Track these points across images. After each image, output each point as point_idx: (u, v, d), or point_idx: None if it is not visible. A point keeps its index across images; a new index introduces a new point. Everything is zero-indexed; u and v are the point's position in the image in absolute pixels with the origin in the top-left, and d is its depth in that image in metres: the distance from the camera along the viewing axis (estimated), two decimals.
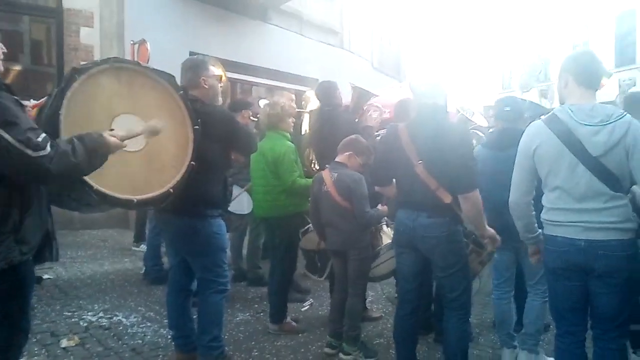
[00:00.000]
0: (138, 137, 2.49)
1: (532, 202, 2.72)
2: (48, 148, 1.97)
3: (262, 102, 5.83)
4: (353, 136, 3.74)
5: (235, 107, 5.02)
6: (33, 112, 3.18)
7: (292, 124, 4.26)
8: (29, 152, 1.92)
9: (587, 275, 2.48)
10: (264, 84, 11.16)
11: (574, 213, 2.47)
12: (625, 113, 2.42)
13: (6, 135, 1.90)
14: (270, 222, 4.24)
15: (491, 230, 3.12)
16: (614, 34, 22.47)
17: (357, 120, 4.38)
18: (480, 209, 2.96)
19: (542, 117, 2.72)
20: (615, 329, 2.49)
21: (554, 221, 2.56)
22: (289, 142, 4.10)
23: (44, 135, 2.00)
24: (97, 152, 2.11)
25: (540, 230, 2.72)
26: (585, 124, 2.42)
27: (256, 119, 5.14)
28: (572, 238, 2.47)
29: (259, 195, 4.21)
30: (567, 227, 2.50)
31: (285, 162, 3.95)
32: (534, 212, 2.73)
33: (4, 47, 2.26)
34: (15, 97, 2.14)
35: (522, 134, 2.76)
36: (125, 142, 2.28)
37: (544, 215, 2.62)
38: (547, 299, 3.37)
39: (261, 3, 9.89)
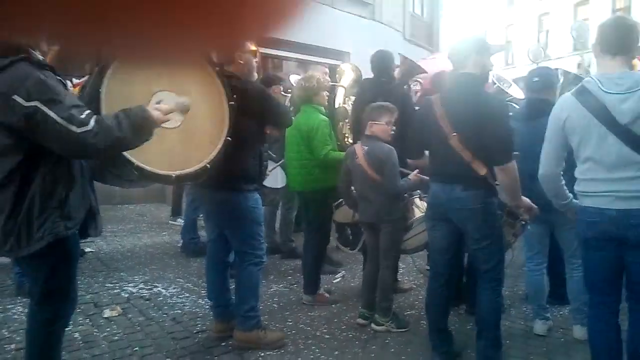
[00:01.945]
0: (176, 114, 2.56)
1: (562, 173, 2.70)
2: (92, 123, 2.04)
3: (293, 78, 5.84)
4: (368, 106, 3.72)
5: (266, 82, 5.04)
6: (75, 91, 3.28)
7: (326, 98, 4.27)
8: (73, 128, 2.00)
9: (621, 246, 2.46)
10: (295, 58, 11.13)
11: (605, 183, 2.44)
12: None
13: (51, 113, 1.99)
14: (304, 196, 4.31)
15: (527, 201, 3.11)
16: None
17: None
18: (517, 180, 2.95)
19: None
20: None
21: (585, 192, 2.54)
22: (323, 116, 4.12)
23: (87, 111, 2.08)
24: (142, 126, 2.18)
25: (571, 196, 2.70)
26: (613, 93, 2.37)
27: (288, 94, 5.16)
28: (603, 208, 2.45)
29: (294, 169, 4.27)
30: (598, 198, 2.47)
31: (318, 135, 3.99)
32: (563, 182, 2.72)
33: None
34: (58, 77, 2.22)
35: (550, 104, 2.73)
36: (169, 115, 2.33)
37: (576, 187, 2.60)
38: None
39: None
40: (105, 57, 2.50)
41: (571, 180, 2.66)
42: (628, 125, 2.34)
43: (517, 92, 5.71)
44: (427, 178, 3.64)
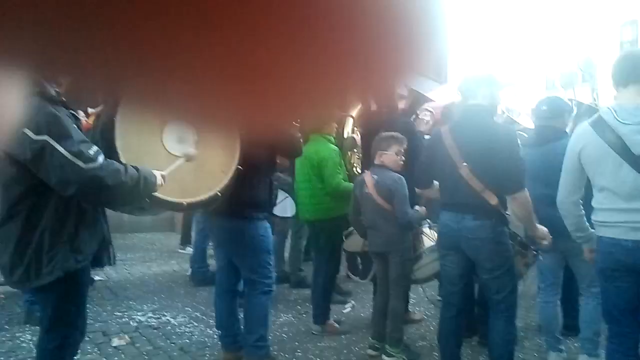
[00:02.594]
0: (189, 142, 2.60)
1: (581, 202, 2.70)
2: (100, 159, 2.07)
3: None
4: (378, 136, 3.73)
5: None
6: (90, 120, 3.33)
7: (335, 128, 4.31)
8: (81, 163, 2.02)
9: (638, 277, 2.44)
10: None
11: (620, 213, 2.44)
12: None
13: (59, 147, 2.00)
14: (314, 225, 4.31)
15: (543, 229, 3.10)
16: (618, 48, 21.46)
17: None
18: (530, 208, 2.96)
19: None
20: None
21: (601, 222, 2.55)
22: (333, 146, 4.15)
23: (96, 148, 2.10)
24: (147, 181, 2.24)
25: (592, 230, 2.69)
26: (628, 123, 2.40)
27: (298, 124, 5.20)
28: (619, 239, 2.44)
29: (304, 199, 4.27)
30: (614, 228, 2.47)
31: (329, 165, 4.01)
32: (583, 212, 2.71)
33: None
34: (72, 111, 2.26)
35: (558, 131, 2.76)
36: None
37: (593, 217, 2.60)
38: (600, 301, 3.32)
39: None
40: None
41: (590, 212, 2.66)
42: None
43: (527, 122, 5.73)
44: (424, 209, 3.65)
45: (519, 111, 5.63)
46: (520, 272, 3.36)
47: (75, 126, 2.18)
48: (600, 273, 2.63)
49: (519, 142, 3.20)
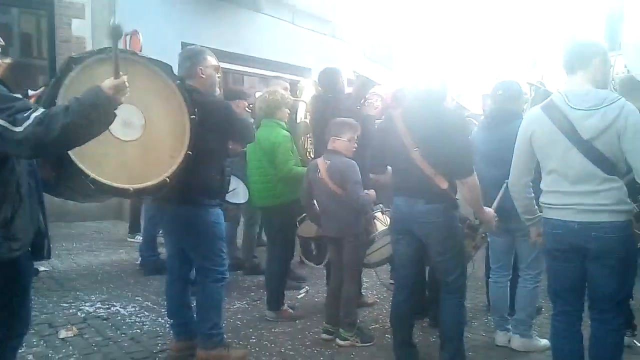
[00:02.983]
0: (135, 126, 2.51)
1: (531, 184, 2.78)
2: (33, 115, 1.93)
3: (258, 94, 5.83)
4: (332, 121, 3.74)
5: (229, 97, 4.99)
6: (31, 102, 3.17)
7: (288, 114, 4.27)
8: (16, 129, 1.90)
9: (584, 257, 2.54)
10: (256, 73, 11.12)
11: (568, 196, 2.53)
12: (619, 97, 2.47)
13: None
14: (267, 211, 4.28)
15: (490, 212, 3.21)
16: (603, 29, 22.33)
17: (358, 108, 4.38)
18: (479, 192, 3.05)
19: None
20: (611, 309, 2.56)
21: (549, 204, 2.63)
22: (285, 131, 4.12)
23: (29, 109, 1.95)
24: (96, 104, 2.02)
25: (540, 213, 2.77)
26: (578, 109, 2.47)
27: (250, 110, 5.15)
28: (566, 220, 2.54)
29: (256, 185, 4.23)
30: (561, 210, 2.56)
31: (281, 151, 3.97)
32: (532, 195, 2.79)
33: (1, 40, 2.26)
34: (9, 91, 2.14)
35: (513, 114, 2.83)
36: (126, 82, 2.15)
37: (541, 199, 2.69)
38: (538, 284, 3.48)
39: None
40: (62, 67, 2.44)
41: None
42: (591, 141, 2.43)
43: (476, 108, 5.87)
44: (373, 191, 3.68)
45: (468, 97, 5.76)
46: (469, 255, 3.47)
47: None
48: (547, 253, 2.73)
49: (467, 127, 3.28)
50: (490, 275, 3.75)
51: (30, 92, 3.39)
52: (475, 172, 3.02)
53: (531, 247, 3.09)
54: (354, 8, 14.74)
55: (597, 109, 2.43)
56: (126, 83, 2.15)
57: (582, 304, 2.70)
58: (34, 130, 1.90)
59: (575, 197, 2.51)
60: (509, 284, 3.68)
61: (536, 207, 2.81)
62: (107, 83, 2.10)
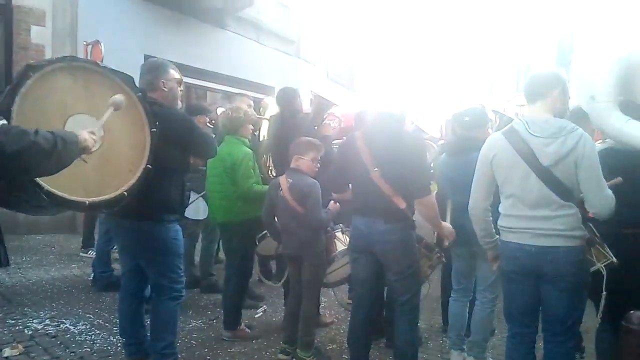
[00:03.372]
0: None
1: (490, 208, 2.85)
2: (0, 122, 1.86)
3: (220, 110, 5.81)
4: (296, 140, 3.76)
5: (191, 112, 4.97)
6: None
7: (251, 130, 4.27)
8: None
9: (539, 279, 2.61)
10: (219, 89, 11.09)
11: (525, 220, 2.61)
12: (577, 127, 2.57)
13: None
14: (226, 228, 4.21)
15: (448, 227, 3.33)
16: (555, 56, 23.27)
17: (316, 128, 4.42)
18: (436, 210, 3.14)
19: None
20: (563, 332, 2.62)
21: (507, 227, 2.70)
22: (247, 148, 4.10)
23: None
24: (65, 140, 2.01)
25: (497, 237, 2.85)
26: (538, 136, 2.56)
27: (212, 126, 5.12)
28: (523, 243, 2.61)
29: (216, 201, 4.18)
30: (519, 233, 2.63)
31: (242, 168, 3.94)
32: (491, 218, 2.86)
33: None
34: None
35: (479, 141, 2.91)
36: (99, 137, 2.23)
37: (499, 222, 2.76)
38: (494, 308, 3.54)
39: (218, 9, 9.84)
40: (19, 75, 2.37)
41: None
42: (549, 167, 2.52)
43: (434, 131, 6.01)
44: (337, 205, 3.72)
45: (426, 121, 5.90)
46: (425, 274, 3.52)
47: None
48: (504, 276, 2.80)
49: (426, 150, 3.36)
50: (452, 295, 3.80)
51: None
52: (432, 192, 3.09)
53: (491, 271, 3.15)
54: (318, 30, 14.95)
55: (557, 137, 2.52)
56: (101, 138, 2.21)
57: (536, 326, 2.76)
58: None
59: (532, 221, 2.58)
60: (467, 304, 3.74)
61: (494, 230, 2.88)
62: (87, 134, 2.15)
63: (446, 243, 3.49)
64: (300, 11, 13.82)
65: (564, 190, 2.53)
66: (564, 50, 20.43)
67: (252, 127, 4.30)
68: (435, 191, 5.15)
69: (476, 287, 3.68)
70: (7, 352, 3.55)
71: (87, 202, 2.54)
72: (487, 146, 2.79)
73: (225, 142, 4.10)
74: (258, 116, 4.58)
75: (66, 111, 2.49)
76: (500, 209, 2.76)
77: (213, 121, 5.33)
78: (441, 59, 29.11)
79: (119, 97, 2.51)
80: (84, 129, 2.40)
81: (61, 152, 2.01)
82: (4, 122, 1.89)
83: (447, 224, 3.35)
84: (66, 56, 2.66)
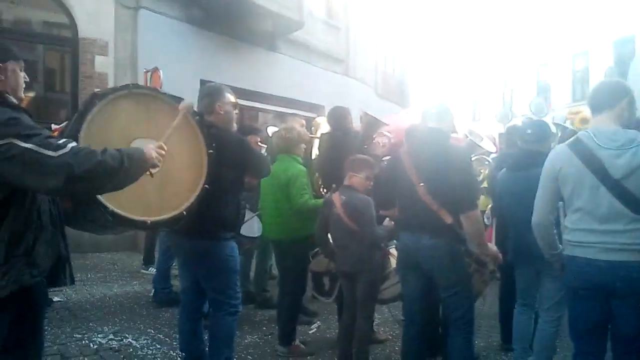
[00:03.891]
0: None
1: (554, 222, 2.77)
2: (70, 145, 1.96)
3: (271, 130, 5.95)
4: (351, 157, 3.80)
5: (243, 132, 5.09)
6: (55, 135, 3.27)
7: (304, 150, 4.35)
8: (51, 152, 1.91)
9: (608, 296, 2.50)
10: (271, 110, 11.33)
11: (595, 234, 2.51)
12: None
13: (26, 145, 1.90)
14: (280, 245, 4.30)
15: (493, 248, 3.23)
16: (612, 58, 22.54)
17: (365, 147, 4.46)
18: (482, 227, 3.08)
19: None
20: (634, 351, 2.50)
21: (575, 242, 2.60)
22: (301, 166, 4.18)
23: (65, 139, 2.01)
24: (131, 157, 2.12)
25: (561, 247, 2.76)
26: (607, 148, 2.48)
27: (264, 145, 5.25)
28: (592, 259, 2.51)
29: (270, 219, 4.27)
30: (588, 248, 2.53)
31: (297, 184, 4.03)
32: (555, 231, 2.79)
33: (26, 77, 2.36)
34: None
35: (542, 155, 2.84)
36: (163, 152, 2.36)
37: (566, 236, 2.66)
38: (558, 327, 3.40)
39: (270, 33, 10.12)
40: (86, 102, 2.54)
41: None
42: (620, 180, 2.43)
43: (489, 146, 5.90)
44: (392, 223, 3.71)
45: (481, 135, 5.81)
46: (479, 290, 3.45)
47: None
48: (570, 292, 2.69)
49: (472, 163, 3.31)
50: (515, 309, 3.69)
51: (54, 127, 3.49)
52: (477, 208, 3.04)
53: (556, 289, 3.05)
54: (367, 48, 15.05)
55: (627, 149, 2.44)
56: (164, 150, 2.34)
57: (604, 344, 2.63)
58: (69, 159, 1.92)
59: (602, 235, 2.49)
60: (533, 317, 3.62)
61: (558, 243, 2.79)
62: (152, 146, 2.26)
63: (491, 266, 3.40)
64: (349, 31, 13.98)
65: (636, 204, 2.42)
66: (623, 57, 19.73)
67: (305, 146, 4.38)
68: (489, 205, 5.08)
69: (540, 306, 3.56)
70: None
71: (149, 221, 2.66)
72: (552, 159, 2.72)
73: (279, 161, 4.20)
74: (310, 135, 4.66)
75: (129, 135, 2.62)
76: (566, 222, 2.67)
77: (264, 139, 5.46)
78: (496, 72, 28.68)
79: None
80: None
81: (128, 169, 2.11)
82: (74, 144, 2.01)
83: (492, 245, 3.25)
84: (129, 84, 2.81)
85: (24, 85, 2.31)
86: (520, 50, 26.37)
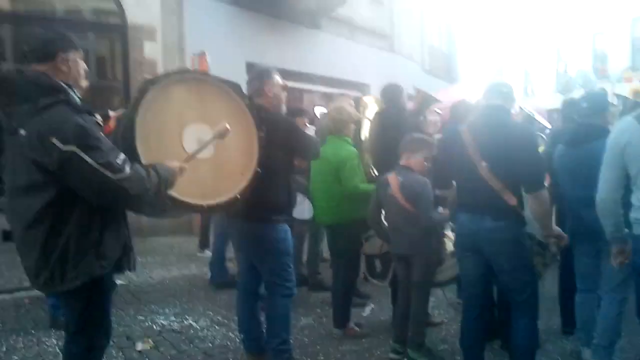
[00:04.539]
0: (210, 144, 2.60)
1: (621, 201, 2.63)
2: (128, 170, 2.09)
3: (318, 110, 5.89)
4: (407, 137, 3.69)
5: (289, 114, 5.07)
6: (112, 123, 3.34)
7: (353, 130, 4.27)
8: (109, 174, 2.03)
9: None
10: (316, 90, 11.27)
11: None
12: None
13: (88, 158, 2.01)
14: (332, 228, 4.25)
15: (557, 229, 3.10)
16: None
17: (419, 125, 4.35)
18: (549, 208, 2.95)
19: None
20: None
21: None
22: (352, 147, 4.11)
23: (123, 157, 2.12)
24: (167, 181, 2.30)
25: (627, 230, 2.62)
26: None
27: (311, 126, 5.20)
28: None
29: (321, 202, 4.22)
30: None
31: (347, 167, 3.96)
32: (622, 211, 2.64)
33: (86, 66, 2.40)
34: (95, 119, 2.26)
35: (600, 129, 2.70)
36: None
37: (632, 214, 2.52)
38: (622, 310, 3.24)
39: (312, 11, 10.01)
40: (140, 88, 2.56)
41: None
42: None
43: (543, 122, 5.67)
44: (448, 211, 3.60)
45: (533, 111, 5.59)
46: (539, 272, 3.32)
47: (102, 134, 2.18)
48: (638, 272, 2.57)
49: (537, 140, 3.16)
50: (577, 297, 3.57)
51: (111, 113, 3.56)
52: (545, 187, 2.91)
53: (619, 269, 2.90)
54: (412, 23, 14.69)
55: None
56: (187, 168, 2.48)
57: None
58: (125, 184, 2.08)
59: None
60: (596, 303, 3.47)
61: (623, 222, 2.65)
62: (176, 164, 2.40)
63: (553, 249, 3.26)
64: (393, 5, 13.66)
65: None
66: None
67: (354, 126, 4.30)
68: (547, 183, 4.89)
69: (602, 287, 3.41)
70: (140, 346, 3.86)
71: (205, 205, 2.70)
72: (618, 132, 2.58)
73: (328, 142, 4.11)
74: (360, 115, 4.57)
75: (183, 120, 2.64)
76: (633, 200, 2.53)
77: (312, 121, 5.41)
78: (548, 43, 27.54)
79: (223, 127, 2.62)
80: (198, 137, 2.58)
81: (162, 192, 2.30)
82: (123, 157, 2.13)
83: (557, 228, 3.11)
84: (181, 69, 2.83)
85: (84, 75, 2.35)
86: (574, 18, 25.18)
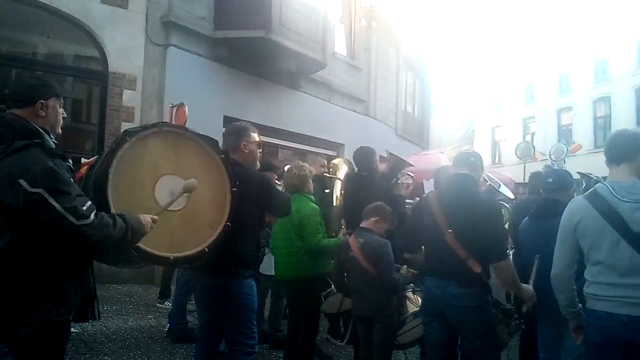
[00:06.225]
0: (180, 197, 2.64)
1: (574, 275, 2.72)
2: (92, 217, 2.09)
3: (287, 167, 5.99)
4: (378, 203, 3.81)
5: (261, 168, 5.14)
6: (83, 170, 3.35)
7: (326, 191, 4.35)
8: (72, 219, 2.03)
9: (630, 351, 2.44)
10: (291, 147, 11.43)
11: (616, 288, 2.46)
12: None
13: (54, 203, 2.01)
14: (292, 284, 4.24)
15: (529, 289, 3.18)
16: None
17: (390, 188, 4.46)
18: (514, 274, 3.04)
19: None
20: None
21: (596, 295, 2.55)
22: (314, 204, 4.19)
23: (89, 204, 2.12)
24: (136, 233, 2.30)
25: (580, 305, 2.70)
26: (626, 201, 2.46)
27: (279, 182, 5.28)
28: (614, 313, 2.45)
29: (283, 258, 4.23)
30: (609, 302, 2.48)
31: (310, 223, 4.03)
32: (575, 287, 2.73)
33: (64, 113, 2.45)
34: (68, 164, 2.29)
35: (563, 205, 2.81)
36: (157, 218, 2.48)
37: (586, 289, 2.61)
38: None
39: (293, 73, 10.29)
40: (117, 139, 2.61)
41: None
42: None
43: (507, 192, 5.88)
44: (415, 272, 3.66)
45: (498, 182, 5.81)
46: (503, 341, 3.37)
47: (72, 179, 2.20)
48: (594, 348, 2.61)
49: (502, 213, 3.29)
50: None
51: (83, 160, 3.57)
52: (509, 257, 3.01)
53: (577, 343, 2.97)
54: (387, 89, 15.24)
55: None
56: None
57: None
58: (87, 231, 2.07)
59: (624, 289, 2.44)
60: None
61: (577, 299, 2.73)
62: (148, 218, 2.40)
63: (525, 308, 3.33)
64: (370, 71, 14.18)
65: None
66: None
67: (326, 187, 4.38)
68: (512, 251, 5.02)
69: (563, 358, 3.46)
70: None
71: (172, 257, 2.70)
72: (570, 211, 2.69)
73: (292, 200, 4.17)
74: (331, 176, 4.68)
75: (157, 172, 2.68)
76: (586, 275, 2.62)
77: (277, 178, 5.49)
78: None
79: (191, 182, 2.68)
80: (171, 189, 2.61)
81: (128, 241, 2.29)
82: (94, 215, 2.11)
83: (527, 287, 3.20)
84: (159, 122, 2.89)
85: (62, 122, 2.39)
86: (540, 92, 26.43)
